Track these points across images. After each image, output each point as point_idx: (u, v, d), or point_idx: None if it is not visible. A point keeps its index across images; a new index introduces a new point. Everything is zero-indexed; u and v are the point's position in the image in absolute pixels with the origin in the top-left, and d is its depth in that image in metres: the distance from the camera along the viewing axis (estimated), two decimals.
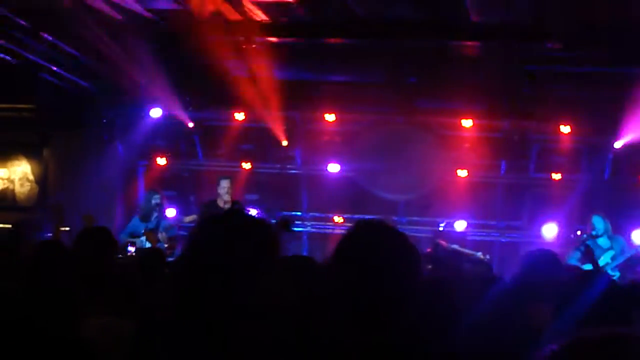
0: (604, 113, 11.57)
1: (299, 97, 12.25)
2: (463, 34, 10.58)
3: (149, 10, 10.26)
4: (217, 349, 2.26)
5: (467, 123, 12.32)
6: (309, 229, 13.41)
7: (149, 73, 11.45)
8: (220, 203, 10.75)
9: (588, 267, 9.38)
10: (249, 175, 13.30)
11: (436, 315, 3.56)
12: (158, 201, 10.73)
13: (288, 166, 13.48)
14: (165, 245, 10.38)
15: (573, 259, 9.79)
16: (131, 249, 10.10)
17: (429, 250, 10.52)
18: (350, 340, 2.17)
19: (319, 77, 12.38)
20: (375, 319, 2.21)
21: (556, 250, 9.22)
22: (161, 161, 13.33)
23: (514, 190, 13.08)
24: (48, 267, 4.08)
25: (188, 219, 11.03)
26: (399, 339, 2.18)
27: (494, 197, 13.10)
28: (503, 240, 13.13)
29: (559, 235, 11.96)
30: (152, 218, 10.60)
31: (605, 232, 9.95)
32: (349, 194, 13.01)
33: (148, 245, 10.09)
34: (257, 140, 13.29)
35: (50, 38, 10.66)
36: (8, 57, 10.78)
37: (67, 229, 8.89)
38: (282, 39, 11.00)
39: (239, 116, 12.79)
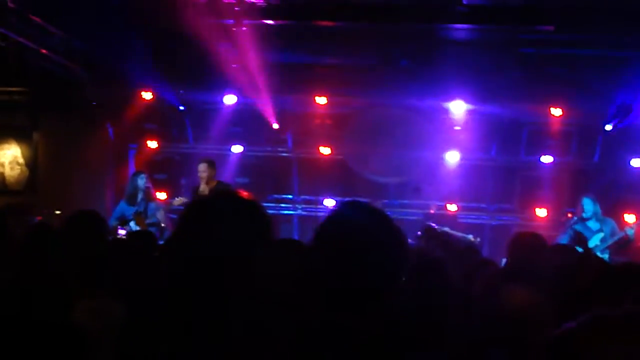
0: (594, 96, 11.59)
1: (290, 80, 12.21)
2: (455, 17, 10.55)
3: None
4: (208, 332, 2.27)
5: (458, 106, 12.32)
6: (299, 212, 13.42)
7: (139, 56, 11.40)
8: (201, 187, 10.68)
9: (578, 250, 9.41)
10: (240, 159, 13.30)
11: (426, 297, 3.58)
12: (143, 182, 10.64)
13: (279, 149, 13.48)
14: (157, 227, 10.35)
15: (563, 241, 9.83)
16: (122, 232, 10.08)
17: (419, 233, 10.54)
18: (330, 322, 2.15)
19: (311, 60, 12.33)
20: (357, 301, 2.19)
21: (546, 232, 9.31)
22: (152, 144, 13.30)
23: (504, 173, 13.11)
24: (39, 251, 4.07)
25: (177, 201, 10.97)
26: (381, 321, 2.17)
27: (484, 179, 13.12)
28: (494, 222, 13.18)
29: (549, 218, 12.01)
30: (139, 200, 10.53)
31: (595, 214, 9.98)
32: (340, 177, 13.02)
33: (137, 228, 10.06)
34: (248, 123, 13.27)
35: (40, 21, 10.59)
36: None
37: (59, 212, 8.89)
38: (273, 22, 10.95)
39: (230, 99, 12.76)
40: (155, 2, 10.41)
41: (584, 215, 9.97)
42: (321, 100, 12.58)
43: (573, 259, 4.00)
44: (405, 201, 13.02)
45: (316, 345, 1.97)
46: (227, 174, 12.49)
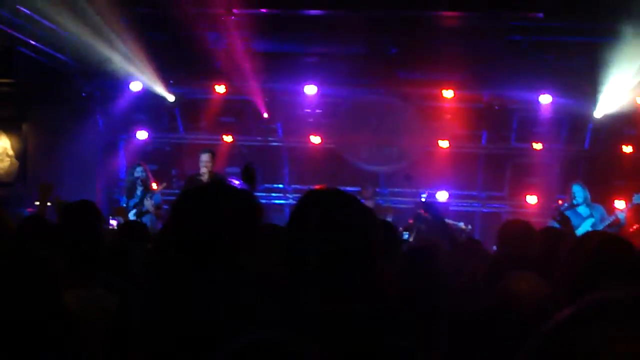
0: (584, 83, 11.62)
1: (280, 70, 12.20)
2: (443, 4, 10.56)
3: None
4: (201, 320, 2.28)
5: (448, 94, 12.32)
6: (290, 201, 13.43)
7: (128, 46, 11.36)
8: (202, 176, 10.69)
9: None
10: (230, 148, 13.29)
11: (416, 284, 3.60)
12: (140, 174, 10.61)
13: (269, 138, 13.47)
14: (153, 214, 10.32)
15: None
16: (113, 222, 10.05)
17: (410, 221, 10.56)
18: (316, 307, 2.15)
19: (300, 49, 12.33)
20: (333, 284, 2.18)
21: (537, 219, 9.35)
22: (142, 135, 13.27)
23: (495, 161, 13.15)
24: (31, 241, 4.07)
25: (160, 187, 10.84)
26: (368, 306, 2.16)
27: (475, 167, 13.16)
28: (485, 210, 13.23)
29: (539, 205, 12.05)
30: (137, 192, 10.51)
31: (585, 200, 10.01)
32: (330, 166, 13.02)
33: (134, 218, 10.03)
34: (238, 113, 13.27)
35: (28, 12, 10.53)
36: None
37: (49, 204, 8.84)
38: (261, 11, 10.94)
39: (220, 89, 12.72)
40: None
41: (574, 201, 10.00)
42: (311, 89, 12.56)
43: (567, 242, 4.00)
44: (396, 189, 13.04)
45: (303, 330, 1.98)
46: (218, 164, 12.48)
